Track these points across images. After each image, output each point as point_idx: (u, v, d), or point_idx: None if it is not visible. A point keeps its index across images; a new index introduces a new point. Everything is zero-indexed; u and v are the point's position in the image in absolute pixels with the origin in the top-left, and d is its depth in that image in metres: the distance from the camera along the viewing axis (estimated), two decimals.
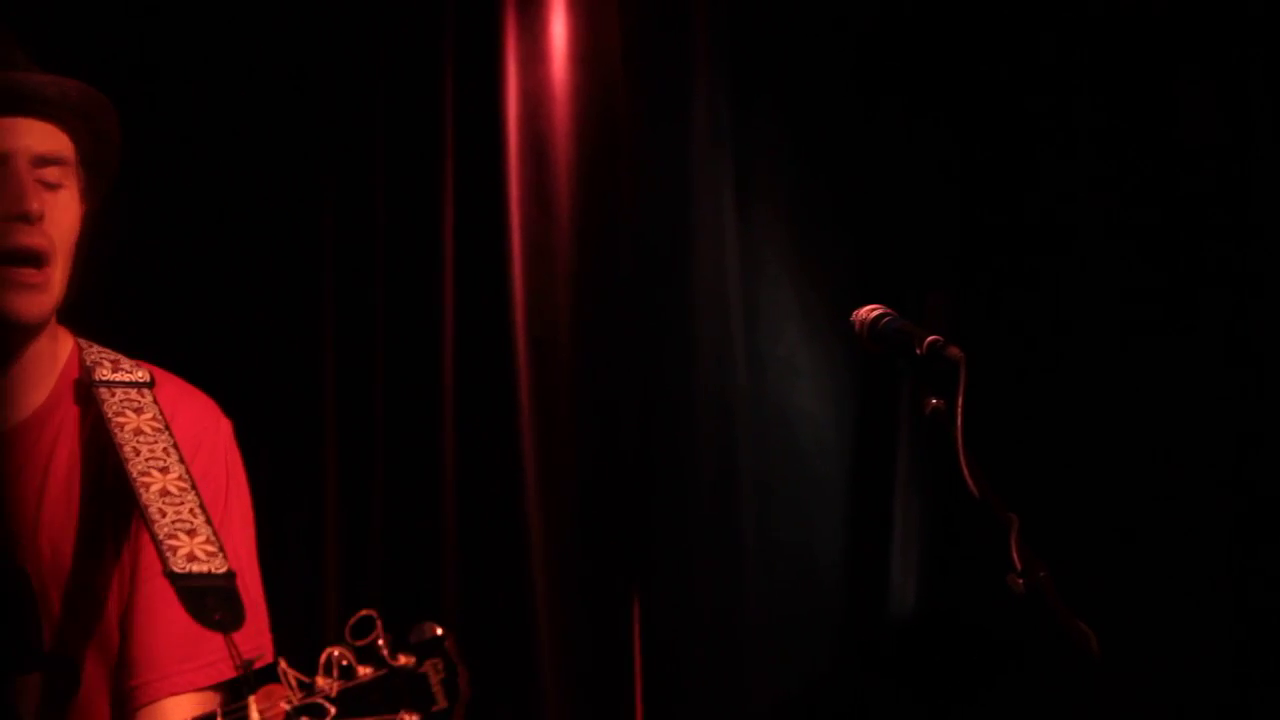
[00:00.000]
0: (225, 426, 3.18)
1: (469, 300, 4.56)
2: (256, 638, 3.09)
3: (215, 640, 3.01)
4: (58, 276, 3.04)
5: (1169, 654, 4.33)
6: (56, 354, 3.13)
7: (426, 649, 2.73)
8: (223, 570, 2.92)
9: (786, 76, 4.75)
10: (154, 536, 2.93)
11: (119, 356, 3.16)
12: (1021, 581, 2.80)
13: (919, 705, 4.56)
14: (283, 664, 2.75)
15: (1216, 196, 4.49)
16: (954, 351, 2.94)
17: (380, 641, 2.73)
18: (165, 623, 3.06)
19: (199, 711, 3.01)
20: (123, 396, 3.08)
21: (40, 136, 3.04)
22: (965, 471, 2.84)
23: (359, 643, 2.73)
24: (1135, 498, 4.42)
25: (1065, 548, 4.23)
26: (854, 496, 4.69)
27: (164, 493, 2.99)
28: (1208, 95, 4.51)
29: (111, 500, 3.08)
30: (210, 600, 2.87)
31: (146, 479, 2.99)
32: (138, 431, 3.04)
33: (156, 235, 4.28)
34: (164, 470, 3.01)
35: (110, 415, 3.05)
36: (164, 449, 3.04)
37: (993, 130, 4.62)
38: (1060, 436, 4.48)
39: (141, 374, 3.14)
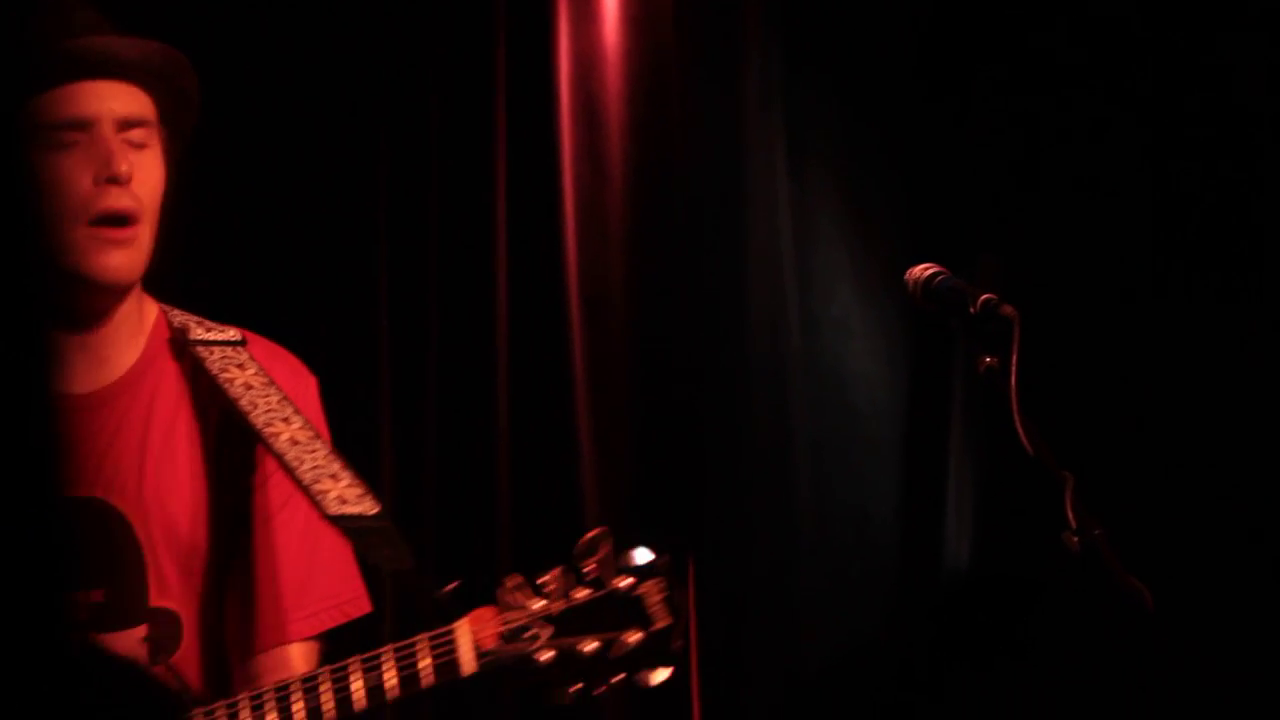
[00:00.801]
0: (313, 383, 3.23)
1: (522, 261, 4.56)
2: (355, 587, 3.16)
3: (318, 590, 3.10)
4: (146, 235, 3.08)
5: (1224, 612, 4.31)
6: (143, 315, 3.17)
7: (644, 571, 2.80)
8: (374, 511, 2.96)
9: (838, 37, 4.74)
10: (299, 483, 2.97)
11: (202, 319, 3.20)
12: (1076, 540, 2.80)
13: (973, 665, 4.56)
14: (508, 584, 2.79)
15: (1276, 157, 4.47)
16: (1008, 310, 2.94)
17: (597, 565, 2.77)
18: (269, 575, 3.11)
19: (304, 662, 3.07)
20: (221, 355, 3.12)
21: (124, 99, 3.08)
22: (1019, 430, 2.84)
23: (581, 565, 2.78)
24: (1190, 455, 4.41)
25: (1120, 506, 4.23)
26: (908, 457, 4.68)
27: (294, 441, 3.02)
28: (1261, 58, 4.49)
29: (217, 455, 3.13)
30: (374, 539, 2.92)
31: (272, 430, 3.03)
32: (248, 386, 3.08)
33: (210, 200, 4.29)
34: (286, 421, 3.05)
35: (216, 372, 3.09)
36: (278, 401, 3.09)
37: (1048, 88, 4.60)
38: (1115, 395, 4.46)
39: (232, 333, 3.19)
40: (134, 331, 3.15)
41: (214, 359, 3.12)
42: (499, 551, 4.49)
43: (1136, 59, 4.55)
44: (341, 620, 3.15)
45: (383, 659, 2.85)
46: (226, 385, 3.08)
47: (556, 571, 2.82)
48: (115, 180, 3.03)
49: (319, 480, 2.98)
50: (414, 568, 2.93)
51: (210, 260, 4.25)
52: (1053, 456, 2.84)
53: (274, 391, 3.10)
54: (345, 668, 2.87)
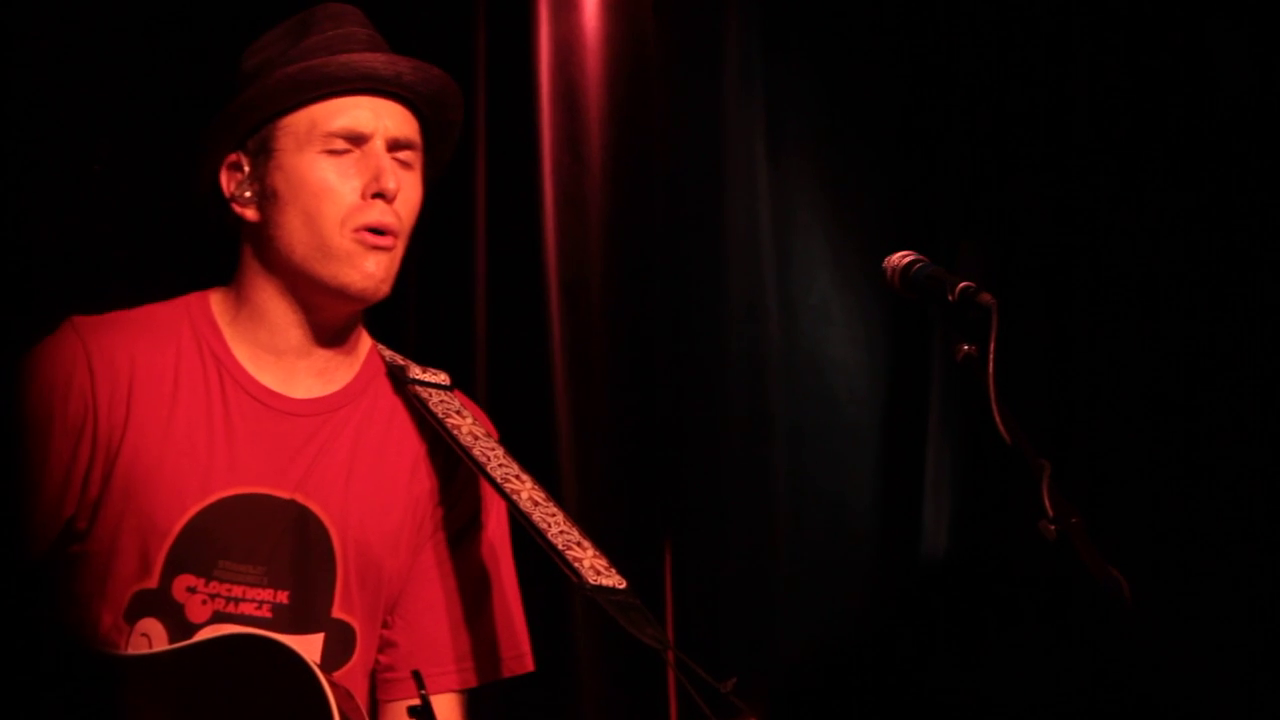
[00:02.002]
0: (495, 434, 3.24)
1: (501, 246, 4.56)
2: (522, 643, 3.21)
3: (464, 645, 3.13)
4: (399, 253, 3.11)
5: (1200, 600, 4.32)
6: (360, 342, 3.22)
7: None
8: (624, 586, 2.98)
9: (817, 25, 4.74)
10: (551, 547, 2.98)
11: (409, 360, 3.23)
12: (1053, 528, 2.80)
13: (951, 653, 4.57)
14: None
15: (1256, 144, 4.47)
16: (986, 298, 2.94)
17: None
18: (433, 620, 3.15)
19: (451, 711, 3.12)
20: (439, 399, 3.17)
21: (398, 120, 3.14)
22: (997, 418, 2.85)
23: None
24: (1167, 443, 4.42)
25: (1097, 494, 4.24)
26: (886, 444, 4.69)
27: (535, 502, 3.04)
28: (1242, 44, 4.50)
29: (422, 488, 3.15)
30: (636, 615, 2.94)
31: (511, 487, 3.06)
32: (475, 436, 3.11)
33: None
34: (519, 479, 3.07)
35: (441, 415, 3.13)
36: (504, 455, 3.12)
37: (1028, 76, 4.61)
38: (1092, 383, 4.47)
39: (443, 377, 3.24)
40: (352, 355, 3.19)
41: (435, 402, 3.16)
42: None
43: (1118, 46, 4.56)
44: (504, 675, 3.19)
45: None
46: (455, 432, 3.11)
47: None
48: (383, 195, 3.07)
49: (570, 547, 2.99)
50: (671, 646, 2.95)
51: (191, 245, 4.24)
52: (1030, 444, 2.85)
53: (497, 444, 3.14)
54: None
